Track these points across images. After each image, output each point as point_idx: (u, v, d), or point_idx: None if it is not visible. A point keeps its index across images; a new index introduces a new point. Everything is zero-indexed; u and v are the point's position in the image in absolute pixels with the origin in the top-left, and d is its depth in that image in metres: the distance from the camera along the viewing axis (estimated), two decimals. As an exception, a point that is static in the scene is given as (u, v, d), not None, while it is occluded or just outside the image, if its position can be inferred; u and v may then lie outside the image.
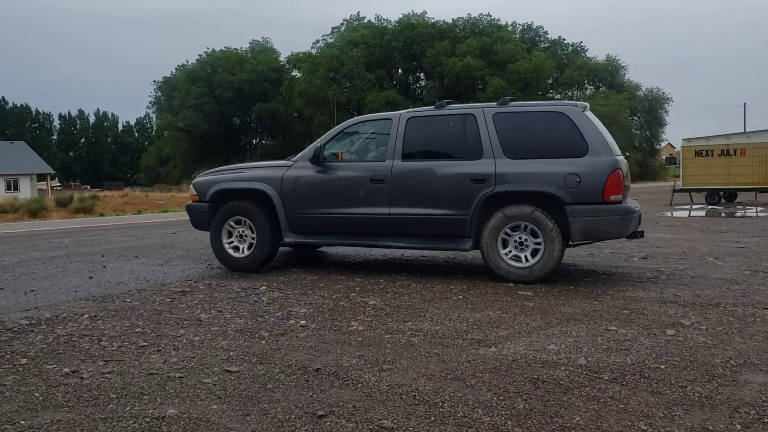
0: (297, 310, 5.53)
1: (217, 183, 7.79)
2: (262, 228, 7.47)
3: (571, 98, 62.50)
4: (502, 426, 3.11)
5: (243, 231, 7.65)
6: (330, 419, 3.21)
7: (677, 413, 3.23)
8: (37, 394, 3.60)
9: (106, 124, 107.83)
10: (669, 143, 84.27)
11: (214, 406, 3.39)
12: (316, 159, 7.35)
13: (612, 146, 6.59)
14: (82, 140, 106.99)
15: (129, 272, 7.75)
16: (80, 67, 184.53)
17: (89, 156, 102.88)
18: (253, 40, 78.11)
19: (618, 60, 61.97)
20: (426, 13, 65.07)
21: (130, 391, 3.63)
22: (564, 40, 66.09)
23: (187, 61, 77.82)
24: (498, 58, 57.61)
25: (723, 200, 21.77)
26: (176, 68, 77.56)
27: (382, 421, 3.17)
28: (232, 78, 68.97)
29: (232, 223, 7.66)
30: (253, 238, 7.57)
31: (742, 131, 28.96)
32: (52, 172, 68.75)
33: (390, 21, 64.54)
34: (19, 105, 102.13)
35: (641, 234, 6.96)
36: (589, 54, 64.87)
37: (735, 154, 20.74)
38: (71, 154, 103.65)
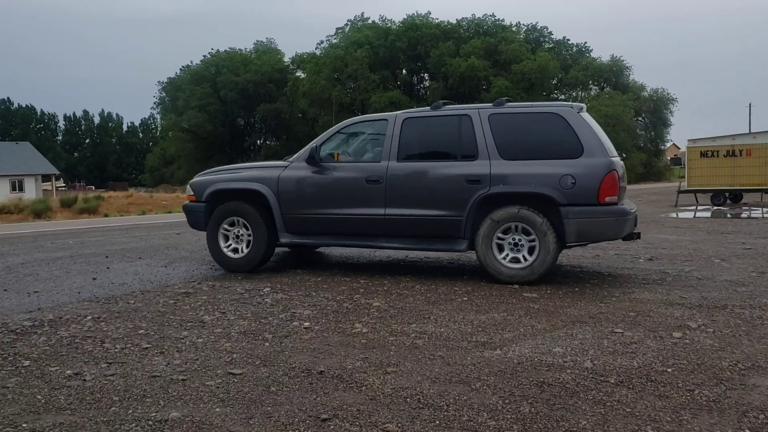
0: (301, 312, 5.50)
1: (213, 183, 7.80)
2: (258, 228, 7.47)
3: (575, 99, 62.36)
4: (508, 430, 3.08)
5: (239, 232, 7.65)
6: (334, 422, 3.18)
7: (685, 417, 3.20)
8: (39, 397, 3.58)
9: (110, 124, 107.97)
10: (674, 144, 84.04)
11: (217, 409, 3.37)
12: (312, 159, 7.35)
13: (608, 148, 6.57)
14: (87, 141, 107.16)
15: (133, 273, 7.74)
16: (85, 67, 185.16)
17: (94, 156, 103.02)
18: (258, 41, 78.17)
19: (623, 60, 61.71)
20: (430, 13, 65.25)
21: (133, 394, 3.61)
22: (568, 40, 65.91)
23: (191, 62, 77.98)
24: (502, 58, 57.47)
25: (728, 201, 21.68)
26: (180, 69, 77.69)
27: (386, 425, 3.14)
28: (236, 79, 68.99)
29: (228, 223, 7.66)
30: (249, 239, 7.57)
31: (748, 132, 28.86)
32: (57, 172, 68.93)
33: (394, 21, 64.48)
34: (24, 106, 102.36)
35: (637, 236, 6.95)
36: (593, 54, 64.65)
37: (740, 155, 20.64)
38: (76, 154, 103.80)
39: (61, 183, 76.50)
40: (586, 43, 76.96)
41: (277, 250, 9.26)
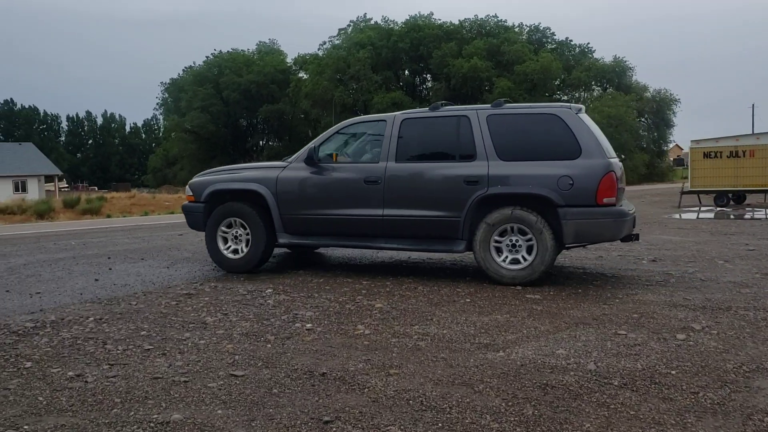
0: (303, 314, 5.49)
1: (212, 184, 7.82)
2: (256, 229, 7.48)
3: (578, 99, 62.31)
4: (511, 433, 3.06)
5: (238, 232, 7.66)
6: (336, 425, 3.17)
7: (689, 420, 3.18)
8: (41, 398, 3.57)
9: (113, 125, 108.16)
10: (677, 144, 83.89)
11: (219, 411, 3.36)
12: (310, 160, 7.36)
13: (606, 149, 6.57)
14: (90, 142, 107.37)
15: (135, 274, 7.73)
16: (88, 68, 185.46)
17: (97, 157, 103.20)
18: (260, 42, 78.29)
19: (625, 61, 61.64)
20: (433, 14, 65.18)
21: (135, 396, 3.59)
22: (571, 41, 65.83)
23: (194, 63, 78.29)
24: (505, 59, 57.42)
25: (732, 202, 21.63)
26: (183, 70, 77.85)
27: (388, 428, 3.12)
28: (239, 79, 69.07)
29: (227, 224, 7.68)
30: (248, 240, 7.58)
31: (751, 132, 28.80)
32: (60, 173, 69.03)
33: (397, 22, 64.45)
34: (27, 106, 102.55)
35: (636, 237, 6.94)
36: (596, 55, 64.57)
37: (744, 156, 20.60)
38: (79, 155, 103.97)
39: (64, 184, 76.59)
40: (588, 43, 76.82)
41: (279, 251, 9.25)
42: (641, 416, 3.24)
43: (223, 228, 7.68)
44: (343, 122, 7.81)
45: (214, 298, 6.21)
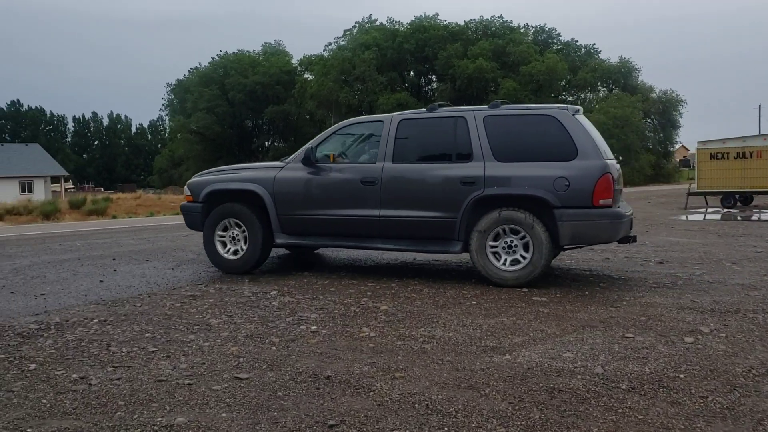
0: (308, 316, 5.46)
1: (210, 184, 7.83)
2: (254, 229, 7.49)
3: (584, 100, 62.18)
4: (518, 438, 3.03)
5: (235, 233, 7.67)
6: (341, 429, 3.14)
7: (698, 425, 3.14)
8: (44, 401, 3.56)
9: (119, 126, 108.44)
10: (683, 145, 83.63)
11: (224, 414, 3.33)
12: (308, 160, 7.37)
13: (603, 150, 6.54)
14: (96, 142, 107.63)
15: (140, 276, 7.72)
16: (94, 69, 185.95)
17: (103, 158, 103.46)
18: (266, 43, 78.30)
19: (631, 62, 61.46)
20: (438, 15, 64.99)
21: (139, 398, 3.57)
22: (577, 42, 65.71)
23: (199, 64, 78.08)
24: (510, 60, 57.34)
25: (739, 203, 21.54)
26: (189, 71, 77.90)
27: (394, 431, 3.10)
28: (244, 80, 69.14)
29: (224, 225, 7.69)
30: (245, 240, 7.58)
31: (758, 133, 28.66)
32: (66, 174, 69.21)
33: (402, 23, 64.43)
34: (33, 108, 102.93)
35: (633, 239, 6.92)
36: (602, 56, 64.49)
37: (751, 157, 20.52)
38: (85, 156, 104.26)
39: (70, 184, 76.83)
40: (594, 44, 76.29)
41: (281, 252, 9.24)
42: (649, 421, 3.20)
43: (221, 228, 7.70)
44: (340, 123, 7.81)
45: (219, 299, 6.19)
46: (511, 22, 64.09)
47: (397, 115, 7.31)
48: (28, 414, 3.38)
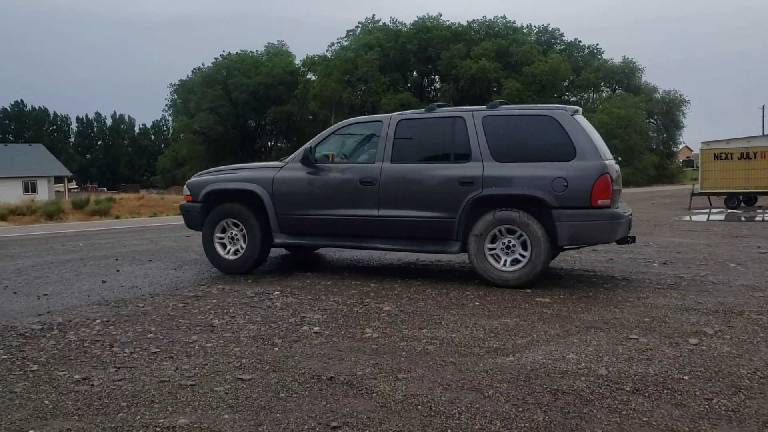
0: (311, 316, 5.45)
1: (209, 183, 7.85)
2: (253, 229, 7.50)
3: (587, 100, 62.06)
4: (522, 440, 3.01)
5: (234, 233, 7.69)
6: (344, 430, 3.13)
7: (704, 428, 3.12)
8: (47, 402, 3.55)
9: (122, 126, 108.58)
10: (686, 146, 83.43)
11: (226, 416, 3.32)
12: (306, 160, 7.38)
13: (601, 151, 6.53)
14: (99, 143, 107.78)
15: (142, 276, 7.72)
16: (97, 70, 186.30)
17: (106, 158, 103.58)
18: (269, 43, 78.32)
19: (635, 62, 61.30)
20: (441, 15, 64.85)
21: (141, 400, 3.57)
22: (580, 42, 65.56)
23: (203, 64, 78.14)
24: (513, 60, 57.27)
25: (743, 204, 21.48)
26: (192, 71, 77.90)
27: (397, 434, 3.08)
28: (247, 81, 69.16)
29: (224, 225, 7.70)
30: (244, 240, 7.60)
31: (762, 134, 28.58)
32: (69, 174, 69.37)
33: (405, 24, 64.37)
34: (37, 108, 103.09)
35: (632, 239, 6.93)
36: (605, 56, 64.31)
37: (755, 157, 20.45)
38: (88, 156, 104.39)
39: (73, 185, 76.95)
40: (597, 44, 76.03)
41: (285, 252, 9.22)
42: (654, 423, 3.18)
43: (220, 229, 7.72)
44: (339, 123, 7.82)
45: (222, 300, 6.18)
46: (514, 22, 64.05)
47: (396, 116, 7.31)
48: (30, 415, 3.37)
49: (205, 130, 70.65)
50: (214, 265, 7.85)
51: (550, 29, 65.20)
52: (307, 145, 7.50)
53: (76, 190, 73.59)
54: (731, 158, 20.81)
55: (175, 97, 78.69)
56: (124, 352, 4.47)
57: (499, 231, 6.57)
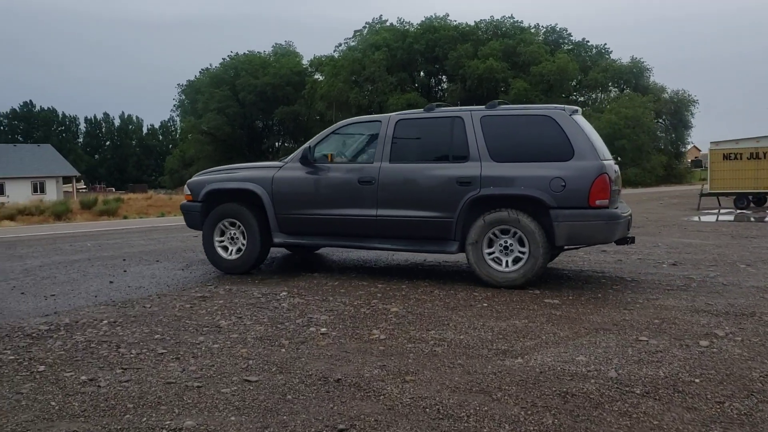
0: (317, 317, 5.43)
1: (209, 183, 7.87)
2: (252, 229, 7.52)
3: (595, 100, 61.88)
4: (531, 443, 2.98)
5: (234, 233, 7.70)
6: (351, 433, 3.10)
7: (715, 432, 3.08)
8: (53, 403, 3.54)
9: (130, 127, 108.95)
10: (694, 146, 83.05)
11: (233, 418, 3.30)
12: (305, 160, 7.40)
13: (600, 151, 6.51)
14: (108, 143, 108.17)
15: (150, 276, 7.72)
16: (105, 71, 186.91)
17: (114, 159, 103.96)
18: (276, 44, 78.47)
19: (643, 62, 61.05)
20: (448, 15, 64.77)
21: (148, 401, 3.55)
22: (588, 42, 65.33)
23: (210, 65, 78.28)
24: (521, 60, 57.12)
25: (752, 204, 21.34)
26: (200, 72, 78.06)
27: (405, 437, 3.05)
28: (255, 81, 69.26)
29: (223, 224, 7.73)
30: (244, 240, 7.61)
31: (771, 134, 28.36)
32: (78, 174, 69.68)
33: (412, 24, 64.31)
34: (46, 108, 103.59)
35: (631, 240, 6.90)
36: (613, 56, 64.07)
37: (764, 158, 20.31)
38: (96, 156, 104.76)
39: (81, 185, 77.30)
40: (605, 44, 75.66)
41: (288, 252, 9.21)
42: (665, 426, 3.15)
43: (220, 228, 7.74)
44: (339, 122, 7.85)
45: (229, 301, 6.16)
46: (521, 22, 63.86)
47: (395, 116, 7.32)
48: (36, 416, 3.36)
49: (212, 130, 70.78)
50: (213, 264, 7.88)
51: (557, 29, 65.01)
52: (306, 145, 7.52)
53: (84, 190, 73.91)
54: (740, 158, 20.69)
55: (183, 97, 78.89)
56: (131, 353, 4.46)
57: (494, 234, 6.57)
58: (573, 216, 6.26)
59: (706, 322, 5.14)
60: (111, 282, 7.36)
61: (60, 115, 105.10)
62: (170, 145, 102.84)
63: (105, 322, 5.35)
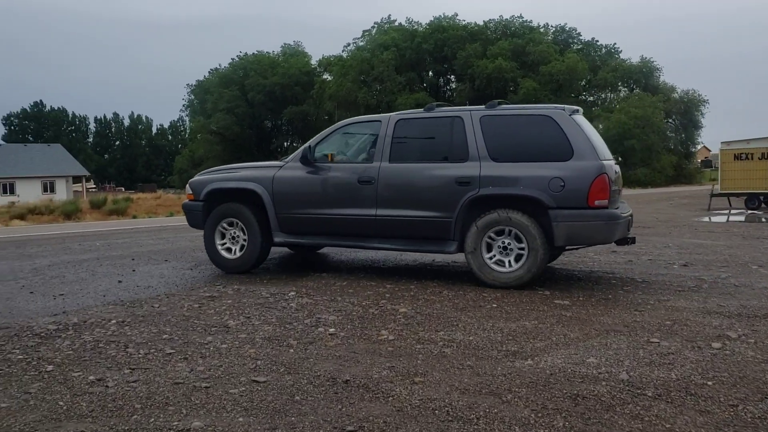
0: (326, 318, 5.41)
1: (210, 182, 7.89)
2: (253, 228, 7.53)
3: (604, 100, 61.64)
4: (542, 446, 2.94)
5: (235, 233, 7.71)
6: (359, 435, 3.08)
7: (729, 435, 3.03)
8: (61, 403, 3.53)
9: (140, 127, 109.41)
10: (704, 146, 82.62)
11: (240, 419, 3.28)
12: (306, 159, 7.41)
13: (600, 151, 6.47)
14: (117, 143, 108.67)
15: (158, 276, 7.72)
16: (115, 71, 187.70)
17: (124, 158, 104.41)
18: (285, 44, 78.56)
19: (653, 62, 60.78)
20: (457, 15, 64.67)
21: (155, 402, 3.53)
22: (597, 41, 65.14)
23: (219, 65, 78.50)
24: (530, 59, 56.96)
25: (763, 205, 21.18)
26: (209, 72, 78.32)
27: (414, 439, 3.02)
28: (264, 81, 69.39)
29: (225, 224, 7.75)
30: (244, 239, 7.63)
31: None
32: (87, 174, 70.00)
33: (421, 23, 64.29)
34: (56, 108, 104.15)
35: (632, 240, 6.86)
36: (623, 56, 63.84)
37: (776, 158, 20.17)
38: (106, 156, 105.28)
39: (91, 184, 77.63)
40: (615, 44, 75.72)
41: (286, 252, 9.19)
42: (677, 430, 3.10)
43: (221, 227, 7.76)
44: (339, 122, 7.87)
45: (237, 300, 6.15)
46: (530, 21, 63.72)
47: (395, 115, 7.32)
48: (44, 416, 3.35)
49: (221, 130, 70.95)
50: (214, 263, 7.90)
51: (567, 29, 64.80)
52: (306, 145, 7.53)
53: (93, 189, 74.21)
54: (752, 158, 20.55)
55: (192, 97, 79.15)
56: (139, 353, 4.45)
57: (490, 237, 6.55)
58: (572, 216, 6.23)
59: (719, 323, 5.09)
60: (120, 281, 7.36)
61: (70, 115, 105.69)
62: (179, 145, 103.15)
63: (113, 321, 5.34)
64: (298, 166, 7.46)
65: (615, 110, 54.61)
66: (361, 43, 65.10)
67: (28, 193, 53.86)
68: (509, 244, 6.51)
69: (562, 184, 6.22)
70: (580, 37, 65.25)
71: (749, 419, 3.21)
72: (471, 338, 4.73)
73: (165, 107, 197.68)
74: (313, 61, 74.95)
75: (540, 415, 3.29)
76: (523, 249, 6.44)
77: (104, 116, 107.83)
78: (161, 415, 3.34)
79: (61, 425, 3.24)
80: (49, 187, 60.26)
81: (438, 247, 6.85)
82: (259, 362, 4.22)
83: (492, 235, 6.54)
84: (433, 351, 4.44)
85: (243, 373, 3.99)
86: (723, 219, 16.78)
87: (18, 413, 3.39)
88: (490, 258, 6.58)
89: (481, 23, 63.18)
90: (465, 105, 7.54)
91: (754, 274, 7.42)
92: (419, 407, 3.41)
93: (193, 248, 10.57)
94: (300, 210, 7.37)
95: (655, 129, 52.80)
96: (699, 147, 73.53)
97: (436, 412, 3.35)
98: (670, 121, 60.03)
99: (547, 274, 7.36)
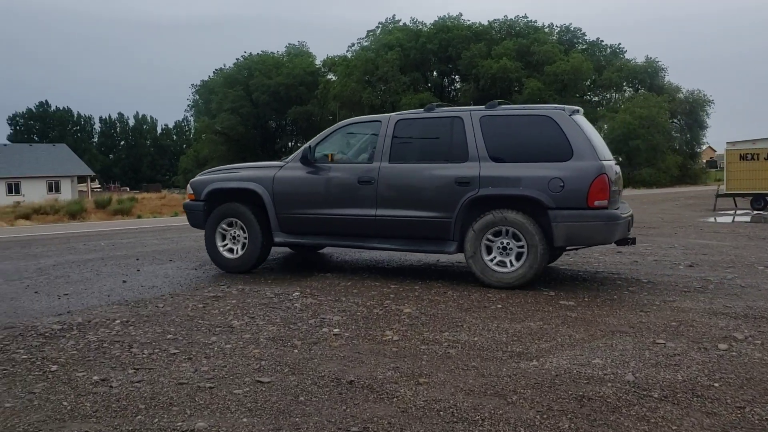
0: (330, 318, 5.39)
1: (211, 182, 7.91)
2: (253, 228, 7.54)
3: (609, 100, 61.50)
4: (547, 448, 2.93)
5: (236, 232, 7.72)
6: (364, 436, 3.06)
7: (736, 437, 3.01)
8: (65, 403, 3.53)
9: (145, 127, 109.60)
10: (709, 146, 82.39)
11: (245, 420, 3.27)
12: (306, 160, 7.42)
13: (599, 151, 6.45)
14: (122, 143, 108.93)
15: (163, 276, 7.72)
16: (120, 71, 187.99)
17: (129, 158, 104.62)
18: (289, 44, 78.61)
19: (658, 62, 60.62)
20: (461, 15, 64.73)
21: (159, 402, 3.53)
22: (602, 41, 65.00)
23: (224, 65, 78.61)
24: (535, 59, 56.90)
25: (769, 205, 21.10)
26: (214, 72, 78.46)
27: (418, 440, 3.01)
28: (268, 81, 69.47)
29: (225, 224, 7.76)
30: (245, 239, 7.63)
31: (789, 134, 28.04)
32: (93, 174, 70.13)
33: (425, 23, 64.30)
34: (61, 108, 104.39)
35: (632, 241, 6.84)
36: (628, 56, 63.68)
37: (782, 158, 20.08)
38: (111, 156, 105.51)
39: (96, 184, 77.75)
40: (620, 44, 75.56)
41: (286, 252, 9.19)
42: (684, 432, 3.08)
43: (222, 227, 7.77)
44: (339, 122, 7.86)
45: (241, 300, 6.14)
46: (535, 21, 63.64)
47: (395, 115, 7.32)
48: (48, 416, 3.35)
49: (226, 130, 71.08)
50: (215, 263, 7.92)
51: (572, 29, 64.72)
52: (306, 145, 7.54)
53: (98, 189, 74.33)
54: (757, 159, 20.46)
55: (197, 97, 79.32)
56: (143, 353, 4.44)
57: (488, 239, 6.54)
58: (571, 216, 6.22)
59: (725, 324, 5.06)
60: (124, 281, 7.37)
61: (75, 115, 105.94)
62: (184, 145, 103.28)
63: (118, 321, 5.34)
64: (299, 166, 7.47)
65: (620, 110, 54.49)
66: (366, 43, 65.16)
67: (33, 193, 54.03)
68: (508, 243, 6.50)
69: (562, 184, 6.21)
70: (585, 37, 65.22)
71: (756, 421, 3.19)
72: (476, 339, 4.72)
73: (170, 107, 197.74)
74: (318, 61, 75.07)
75: (545, 416, 3.28)
76: (522, 247, 6.43)
77: (109, 116, 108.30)
78: (165, 416, 3.34)
79: (65, 425, 3.23)
80: (54, 187, 60.40)
81: (438, 248, 6.84)
82: (263, 362, 4.21)
83: (490, 236, 6.53)
84: (438, 352, 4.42)
85: (247, 374, 3.99)
86: (728, 219, 16.72)
87: (22, 413, 3.39)
88: (491, 260, 6.56)
89: (486, 23, 63.13)
90: (469, 105, 7.51)
91: (761, 274, 7.38)
92: (424, 408, 3.40)
93: (198, 248, 10.57)
94: (300, 210, 7.38)
95: (660, 129, 52.67)
96: (704, 147, 73.34)
97: (441, 413, 3.33)
98: (675, 121, 59.85)
99: (551, 275, 7.34)
